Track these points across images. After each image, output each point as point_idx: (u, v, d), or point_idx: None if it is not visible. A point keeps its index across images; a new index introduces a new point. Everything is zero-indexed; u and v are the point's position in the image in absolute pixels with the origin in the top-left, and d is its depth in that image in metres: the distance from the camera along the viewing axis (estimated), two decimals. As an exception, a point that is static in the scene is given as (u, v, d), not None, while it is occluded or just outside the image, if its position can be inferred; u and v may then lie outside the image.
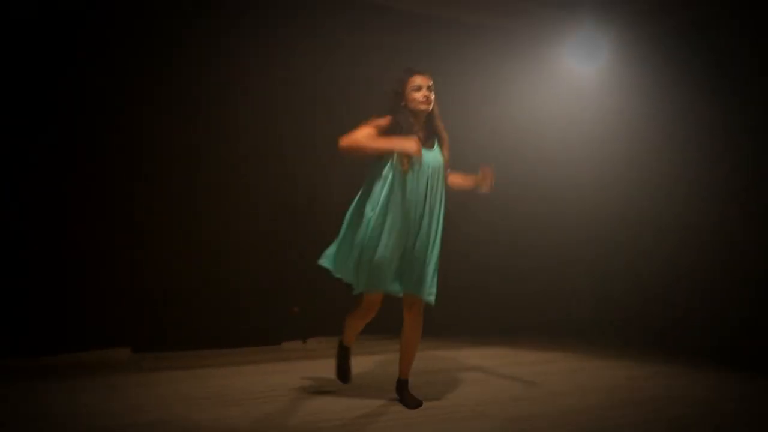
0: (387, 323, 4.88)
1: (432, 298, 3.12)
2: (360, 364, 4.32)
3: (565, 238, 5.96)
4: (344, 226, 3.14)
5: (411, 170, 3.01)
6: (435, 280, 3.13)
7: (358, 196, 3.15)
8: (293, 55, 4.87)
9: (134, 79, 4.47)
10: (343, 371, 3.47)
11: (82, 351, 4.28)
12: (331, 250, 3.14)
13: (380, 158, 3.06)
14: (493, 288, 5.65)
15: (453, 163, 3.36)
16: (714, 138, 4.79)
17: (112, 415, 3.04)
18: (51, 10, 4.17)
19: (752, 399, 3.56)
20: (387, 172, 3.04)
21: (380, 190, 3.03)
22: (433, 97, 3.13)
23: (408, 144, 2.86)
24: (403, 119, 3.07)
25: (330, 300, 5.04)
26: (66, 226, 4.30)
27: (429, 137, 3.17)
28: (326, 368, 4.14)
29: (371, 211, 3.03)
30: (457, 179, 3.32)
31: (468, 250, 5.44)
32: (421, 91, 3.10)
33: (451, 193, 3.29)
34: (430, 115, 3.17)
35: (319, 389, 3.61)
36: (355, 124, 3.08)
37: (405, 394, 3.31)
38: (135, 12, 4.44)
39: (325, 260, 3.15)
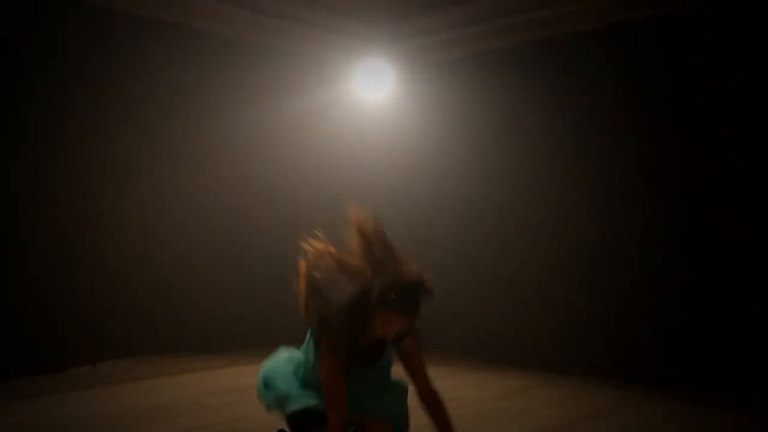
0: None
1: None
2: (165, 385, 4.23)
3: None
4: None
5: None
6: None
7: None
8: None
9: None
10: None
11: None
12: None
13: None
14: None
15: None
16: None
17: None
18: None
19: (515, 395, 3.96)
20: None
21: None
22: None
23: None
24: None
25: (120, 319, 4.86)
26: None
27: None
28: (122, 394, 3.99)
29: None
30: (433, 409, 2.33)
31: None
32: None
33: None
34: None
35: (117, 419, 3.42)
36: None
37: None
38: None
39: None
